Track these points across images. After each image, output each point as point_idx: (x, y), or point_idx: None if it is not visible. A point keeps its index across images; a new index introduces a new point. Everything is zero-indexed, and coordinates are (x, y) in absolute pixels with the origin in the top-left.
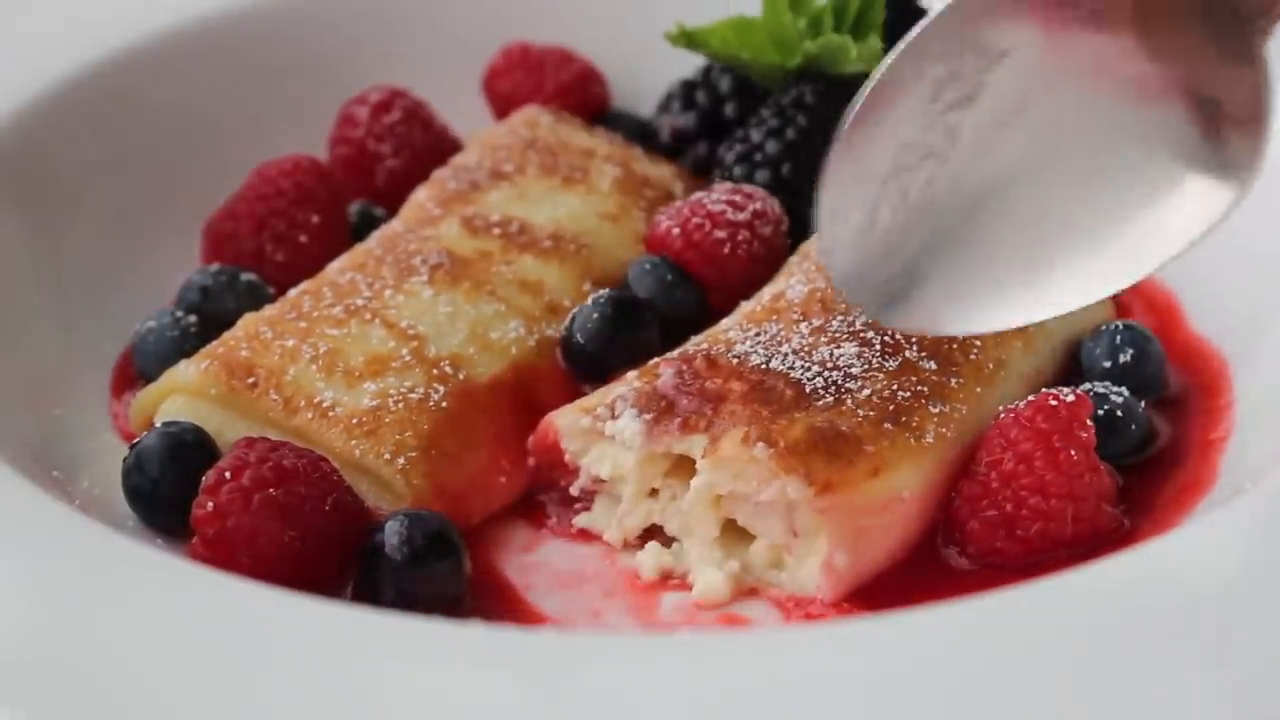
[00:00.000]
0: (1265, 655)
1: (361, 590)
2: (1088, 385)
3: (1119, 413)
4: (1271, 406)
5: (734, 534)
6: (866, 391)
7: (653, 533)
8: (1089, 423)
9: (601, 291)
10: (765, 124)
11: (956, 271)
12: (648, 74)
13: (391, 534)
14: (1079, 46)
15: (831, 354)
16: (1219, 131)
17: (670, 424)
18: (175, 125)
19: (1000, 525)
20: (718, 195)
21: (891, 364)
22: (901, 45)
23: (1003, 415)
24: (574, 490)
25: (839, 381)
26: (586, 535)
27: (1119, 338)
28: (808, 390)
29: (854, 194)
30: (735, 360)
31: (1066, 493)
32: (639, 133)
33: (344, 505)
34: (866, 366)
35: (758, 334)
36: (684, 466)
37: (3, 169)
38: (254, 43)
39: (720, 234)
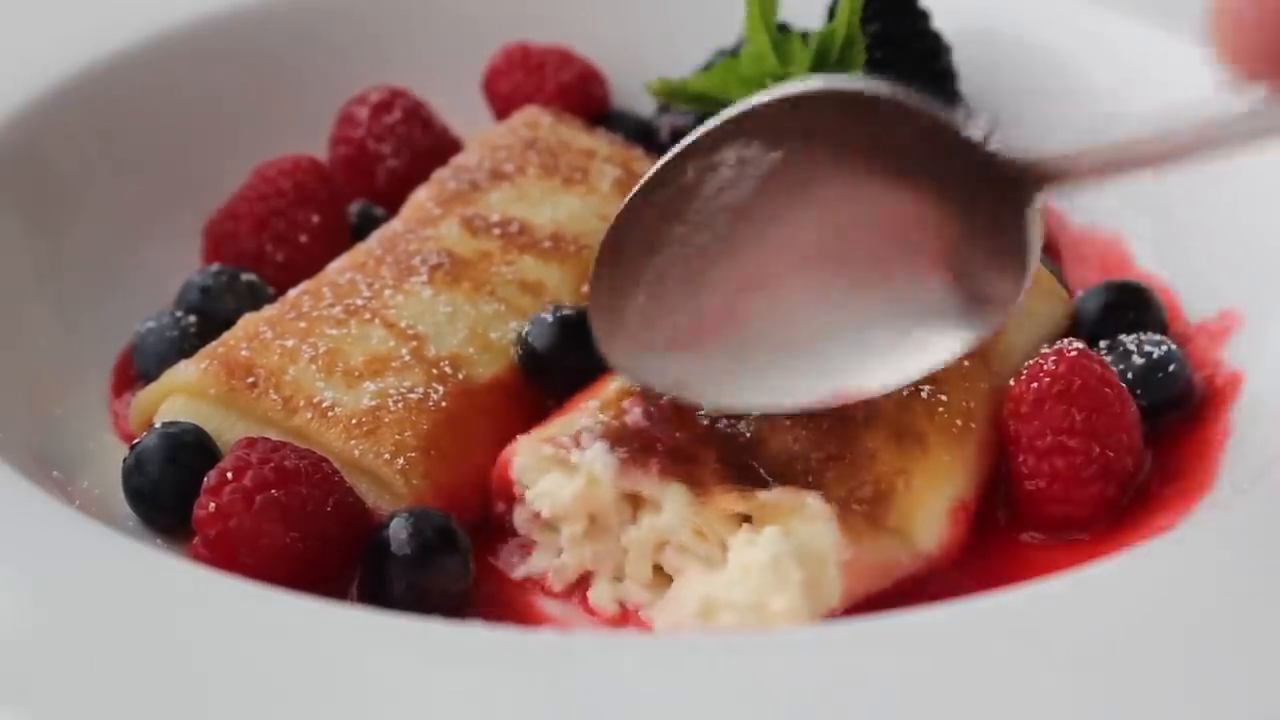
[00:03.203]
0: (1265, 656)
1: (367, 589)
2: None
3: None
4: (1271, 406)
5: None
6: (831, 476)
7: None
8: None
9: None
10: None
11: (723, 348)
12: (648, 74)
13: (398, 531)
14: (852, 163)
15: (793, 438)
16: (980, 275)
17: (649, 465)
18: (176, 125)
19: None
20: None
21: (849, 454)
22: (690, 138)
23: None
24: (517, 522)
25: (801, 472)
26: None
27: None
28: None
29: (628, 268)
30: (704, 423)
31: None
32: (639, 133)
33: (345, 506)
34: (824, 455)
35: None
36: (630, 502)
37: (3, 169)
38: (254, 43)
39: None
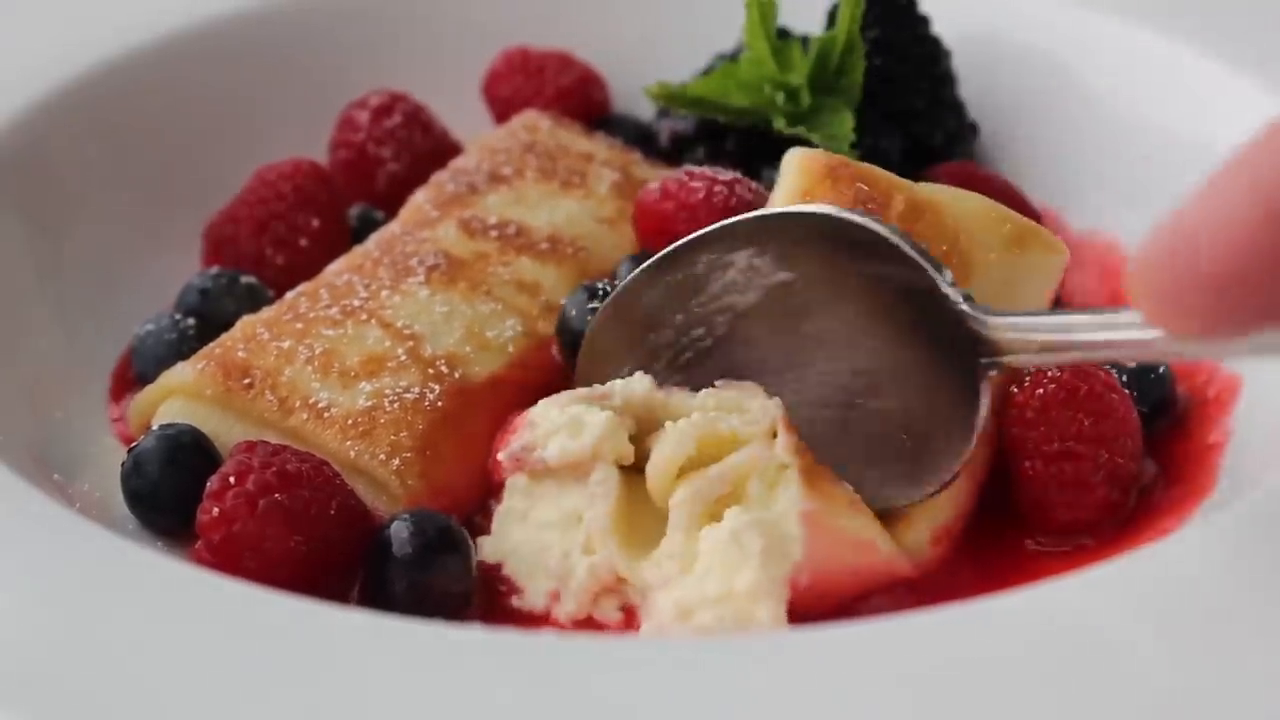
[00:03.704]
0: (1264, 660)
1: (369, 591)
2: None
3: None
4: (1270, 409)
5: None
6: None
7: None
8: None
9: (591, 281)
10: None
11: None
12: (648, 78)
13: (399, 532)
14: (847, 296)
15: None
16: (932, 435)
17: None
18: (176, 128)
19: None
20: (704, 168)
21: None
22: (708, 230)
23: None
24: (507, 453)
25: None
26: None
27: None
28: None
29: (621, 342)
30: None
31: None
32: (639, 137)
33: (348, 509)
34: None
35: None
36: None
37: (5, 172)
38: (255, 46)
39: (696, 184)
